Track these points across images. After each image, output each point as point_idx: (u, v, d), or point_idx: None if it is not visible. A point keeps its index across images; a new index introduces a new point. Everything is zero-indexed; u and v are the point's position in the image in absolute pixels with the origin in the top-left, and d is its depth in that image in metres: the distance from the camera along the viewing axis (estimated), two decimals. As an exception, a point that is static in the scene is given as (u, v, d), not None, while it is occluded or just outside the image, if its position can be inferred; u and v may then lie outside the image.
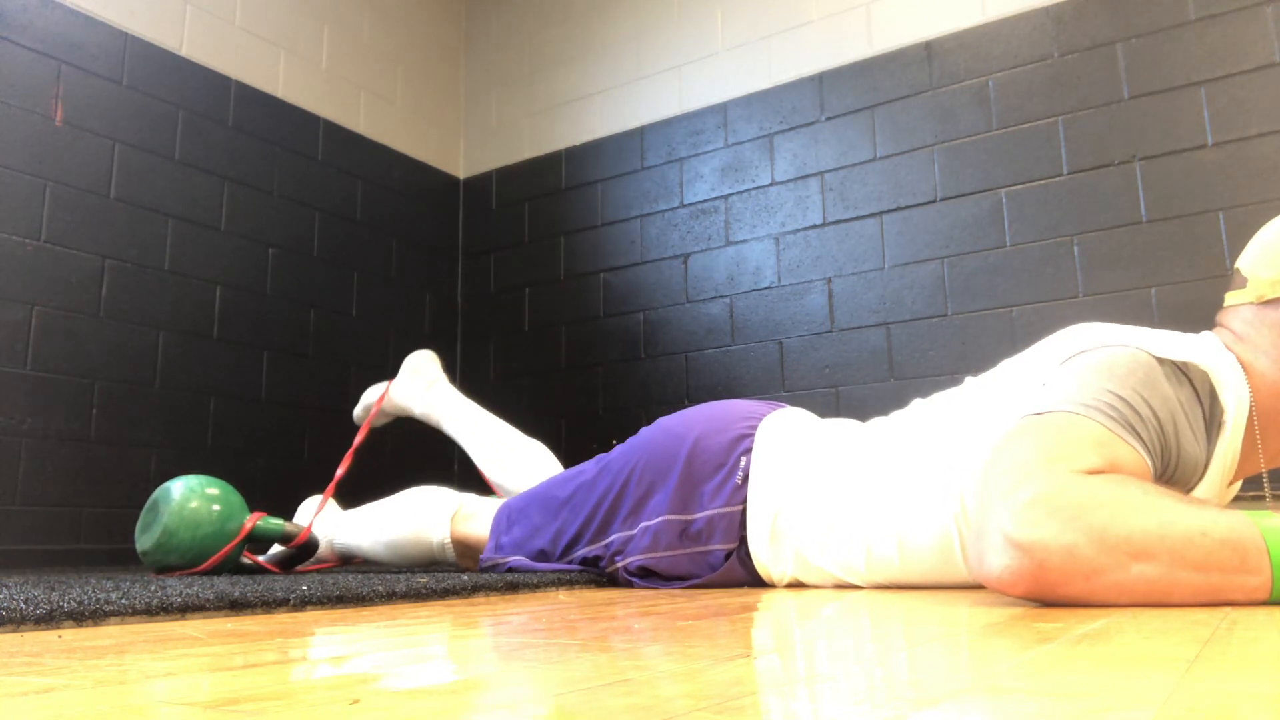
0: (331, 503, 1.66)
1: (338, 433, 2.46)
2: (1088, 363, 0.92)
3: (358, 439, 1.70)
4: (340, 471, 1.63)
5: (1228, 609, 0.73)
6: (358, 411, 1.87)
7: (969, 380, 1.16)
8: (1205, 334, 1.01)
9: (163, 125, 2.18)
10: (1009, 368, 1.09)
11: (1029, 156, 2.04)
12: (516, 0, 3.00)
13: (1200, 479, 0.94)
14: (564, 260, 2.74)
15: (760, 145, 2.42)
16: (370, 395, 1.85)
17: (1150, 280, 1.88)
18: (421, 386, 1.80)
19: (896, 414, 1.22)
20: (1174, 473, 0.91)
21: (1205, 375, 0.93)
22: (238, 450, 2.26)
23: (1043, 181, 2.01)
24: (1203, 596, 0.76)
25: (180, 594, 0.85)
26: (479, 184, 2.97)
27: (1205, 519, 0.76)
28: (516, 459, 1.66)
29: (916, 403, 1.21)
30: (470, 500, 1.49)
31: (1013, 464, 0.83)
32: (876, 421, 1.23)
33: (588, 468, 1.37)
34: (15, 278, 1.88)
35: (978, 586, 1.08)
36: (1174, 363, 0.92)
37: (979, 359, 2.03)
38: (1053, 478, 0.79)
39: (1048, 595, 0.78)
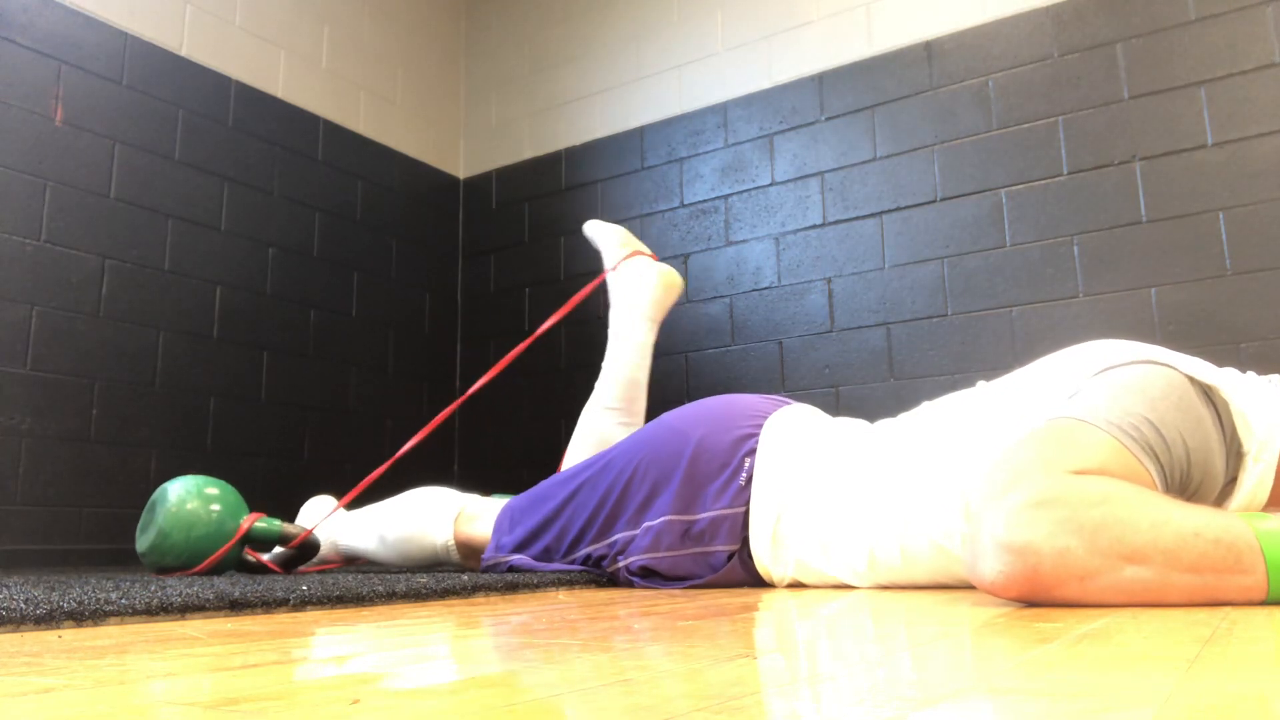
0: (334, 503, 1.66)
1: (338, 433, 2.46)
2: (1120, 379, 0.91)
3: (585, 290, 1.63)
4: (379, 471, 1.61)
5: (1227, 609, 0.73)
6: (592, 231, 1.76)
7: (981, 384, 1.15)
8: (1274, 376, 1.00)
9: (163, 125, 2.18)
10: (1022, 376, 1.09)
11: (1029, 156, 2.04)
12: (517, 0, 3.00)
13: (1229, 504, 0.94)
14: (564, 260, 2.74)
15: (760, 145, 2.42)
16: (611, 239, 1.75)
17: (1150, 280, 1.88)
18: (631, 305, 1.75)
19: (904, 416, 1.21)
20: (1194, 492, 0.91)
21: (1226, 405, 0.93)
22: (238, 450, 2.25)
23: (1043, 181, 2.01)
24: (1197, 597, 0.75)
25: (180, 594, 0.85)
26: (479, 184, 2.97)
27: (1198, 520, 0.76)
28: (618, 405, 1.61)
29: (925, 405, 1.20)
30: (473, 501, 1.49)
31: (1009, 465, 0.83)
32: (884, 423, 1.22)
33: (590, 465, 1.36)
34: (15, 278, 1.88)
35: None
36: (1202, 384, 0.92)
37: (979, 359, 2.03)
38: (1046, 479, 0.79)
39: (1041, 598, 0.78)
